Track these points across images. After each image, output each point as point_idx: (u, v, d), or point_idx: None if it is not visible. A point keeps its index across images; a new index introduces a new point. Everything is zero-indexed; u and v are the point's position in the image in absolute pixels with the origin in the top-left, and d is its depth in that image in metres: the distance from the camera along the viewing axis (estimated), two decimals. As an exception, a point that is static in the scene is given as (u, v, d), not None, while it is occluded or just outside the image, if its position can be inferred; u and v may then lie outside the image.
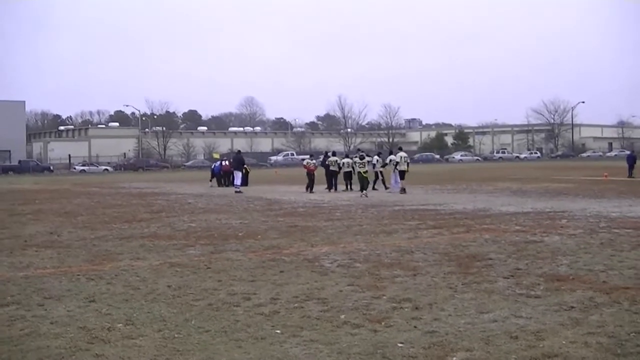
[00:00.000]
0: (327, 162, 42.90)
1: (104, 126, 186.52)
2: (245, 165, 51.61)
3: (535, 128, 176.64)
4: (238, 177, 43.63)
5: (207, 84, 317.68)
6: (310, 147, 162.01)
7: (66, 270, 13.95)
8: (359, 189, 36.82)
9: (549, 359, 7.46)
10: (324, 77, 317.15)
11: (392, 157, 39.68)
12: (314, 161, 42.10)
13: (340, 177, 41.65)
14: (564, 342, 7.98)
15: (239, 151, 50.48)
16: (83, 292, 11.51)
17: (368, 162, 38.35)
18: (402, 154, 38.97)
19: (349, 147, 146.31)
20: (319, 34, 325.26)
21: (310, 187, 40.77)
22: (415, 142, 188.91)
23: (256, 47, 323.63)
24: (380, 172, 41.47)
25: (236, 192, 40.95)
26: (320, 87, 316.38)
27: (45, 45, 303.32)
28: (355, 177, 40.14)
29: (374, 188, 39.89)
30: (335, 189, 40.66)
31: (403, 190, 36.83)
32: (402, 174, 37.84)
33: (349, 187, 40.84)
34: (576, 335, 8.26)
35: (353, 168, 41.22)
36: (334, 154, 45.42)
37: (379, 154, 44.78)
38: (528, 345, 7.91)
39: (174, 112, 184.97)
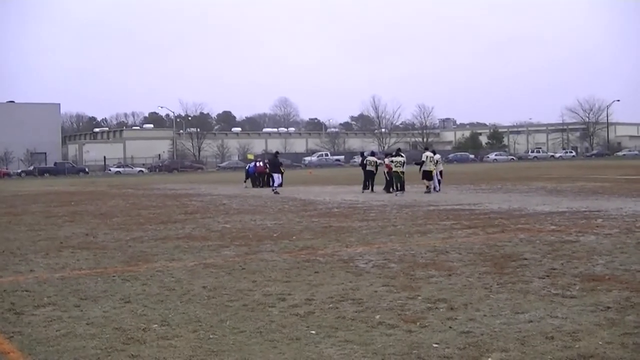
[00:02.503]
0: (364, 162, 42.68)
1: (138, 128, 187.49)
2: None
3: (570, 127, 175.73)
4: (277, 178, 43.32)
5: (241, 85, 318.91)
6: (344, 148, 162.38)
7: (102, 271, 14.04)
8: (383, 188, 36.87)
9: (585, 359, 7.42)
10: (358, 77, 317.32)
11: (426, 154, 39.07)
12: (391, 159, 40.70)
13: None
14: (600, 343, 7.93)
15: (277, 152, 49.71)
16: (119, 293, 11.58)
17: (404, 162, 38.00)
18: (428, 153, 38.49)
19: (384, 147, 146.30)
20: (353, 35, 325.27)
21: (390, 186, 39.28)
22: (450, 142, 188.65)
23: (290, 48, 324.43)
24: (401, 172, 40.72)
25: (273, 191, 40.91)
26: (354, 87, 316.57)
27: (80, 48, 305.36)
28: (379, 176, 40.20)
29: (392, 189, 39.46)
30: (372, 189, 40.41)
31: (427, 190, 36.84)
32: (425, 174, 37.51)
33: (369, 186, 40.75)
34: (612, 336, 8.20)
35: (376, 167, 41.30)
36: (372, 154, 45.15)
37: (385, 154, 44.08)
38: (564, 345, 7.86)
39: (208, 114, 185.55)
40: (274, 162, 44.95)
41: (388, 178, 39.43)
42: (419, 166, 38.16)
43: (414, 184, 39.54)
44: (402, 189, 36.80)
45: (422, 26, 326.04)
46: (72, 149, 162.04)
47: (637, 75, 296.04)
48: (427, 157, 37.67)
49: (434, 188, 37.38)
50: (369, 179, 41.14)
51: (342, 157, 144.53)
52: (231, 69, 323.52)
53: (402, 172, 37.11)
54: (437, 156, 39.27)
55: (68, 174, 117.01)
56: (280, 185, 45.23)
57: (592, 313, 9.33)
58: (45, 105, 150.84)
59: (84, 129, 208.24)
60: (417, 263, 13.89)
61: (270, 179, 50.27)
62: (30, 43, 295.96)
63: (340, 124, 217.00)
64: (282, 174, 47.93)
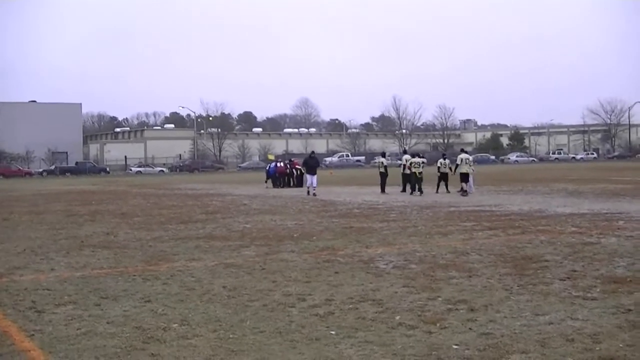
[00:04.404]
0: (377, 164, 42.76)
1: (159, 128, 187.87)
2: (298, 167, 51.33)
3: (592, 128, 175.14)
4: (313, 179, 41.26)
5: (262, 86, 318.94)
6: (365, 149, 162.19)
7: (122, 270, 14.08)
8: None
9: (606, 362, 7.40)
10: (379, 78, 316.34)
11: (461, 157, 38.65)
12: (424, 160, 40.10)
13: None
14: (620, 345, 7.90)
15: (313, 152, 47.17)
16: (139, 292, 11.61)
17: (422, 163, 38.05)
18: (463, 155, 38.27)
19: (404, 148, 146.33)
20: (373, 35, 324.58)
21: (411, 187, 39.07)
22: (471, 143, 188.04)
23: (311, 48, 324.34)
24: (445, 174, 40.07)
25: (313, 194, 39.58)
26: (375, 88, 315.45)
27: (101, 49, 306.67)
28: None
29: (439, 190, 39.22)
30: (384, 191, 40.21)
31: (464, 193, 36.14)
32: (461, 176, 37.22)
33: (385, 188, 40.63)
34: (634, 339, 8.16)
35: (386, 169, 41.57)
36: (382, 155, 45.11)
37: (443, 156, 43.29)
38: (584, 348, 7.83)
39: (229, 114, 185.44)
40: (311, 163, 42.80)
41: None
42: (454, 168, 37.97)
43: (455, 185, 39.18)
44: (420, 190, 36.82)
45: (444, 26, 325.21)
46: (94, 148, 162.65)
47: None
48: (462, 159, 37.42)
49: (468, 189, 36.92)
50: (383, 181, 40.97)
51: (363, 157, 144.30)
52: (252, 69, 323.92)
53: (420, 173, 37.14)
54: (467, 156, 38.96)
55: (89, 173, 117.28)
56: (300, 186, 44.96)
57: (613, 315, 9.30)
58: (67, 105, 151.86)
59: (105, 128, 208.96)
60: (437, 264, 13.88)
61: (292, 180, 50.36)
62: (53, 43, 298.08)
63: (361, 125, 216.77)
64: (301, 174, 47.79)
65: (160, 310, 10.24)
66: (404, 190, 39.58)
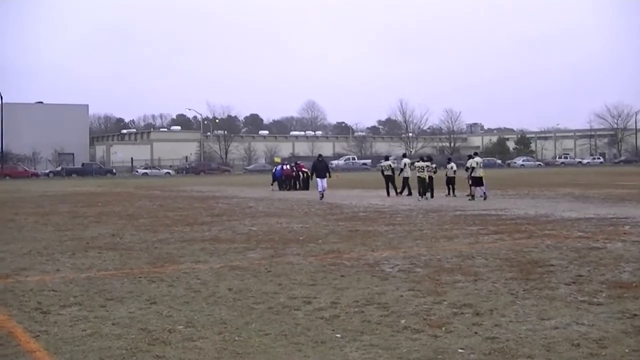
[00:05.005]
0: (381, 167, 42.74)
1: (166, 130, 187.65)
2: (304, 169, 51.33)
3: (598, 133, 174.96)
4: (323, 182, 40.32)
5: (269, 88, 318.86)
6: (371, 152, 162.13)
7: (128, 272, 14.09)
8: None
9: (612, 367, 7.39)
10: (385, 81, 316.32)
11: (471, 161, 38.36)
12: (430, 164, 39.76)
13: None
14: (626, 351, 7.88)
15: (320, 155, 45.83)
16: (144, 294, 11.62)
17: (427, 166, 37.87)
18: (477, 159, 37.87)
19: (410, 151, 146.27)
20: (380, 39, 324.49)
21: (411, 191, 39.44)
22: (477, 147, 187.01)
23: (317, 52, 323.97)
24: (452, 178, 39.87)
25: (320, 198, 38.66)
26: (382, 91, 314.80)
27: (108, 50, 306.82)
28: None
29: (452, 194, 39.23)
30: (396, 193, 40.16)
31: (472, 197, 35.92)
32: (475, 180, 36.95)
33: (390, 191, 40.45)
34: (639, 344, 8.15)
35: (393, 171, 41.37)
36: (386, 158, 44.97)
37: (449, 160, 43.07)
38: (590, 353, 7.81)
39: (235, 116, 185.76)
40: (319, 167, 41.90)
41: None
42: (468, 172, 37.67)
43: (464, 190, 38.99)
44: (424, 193, 36.72)
45: (447, 27, 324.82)
46: (100, 150, 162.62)
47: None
48: (477, 163, 37.11)
49: (477, 194, 36.64)
50: (388, 183, 40.86)
51: (369, 161, 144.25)
52: (259, 72, 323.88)
53: (426, 177, 36.96)
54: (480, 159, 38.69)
55: (95, 175, 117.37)
56: (306, 189, 44.92)
57: (619, 320, 9.28)
58: (74, 106, 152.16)
59: (112, 130, 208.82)
60: (443, 268, 13.86)
61: (298, 182, 50.37)
62: (60, 44, 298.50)
63: (368, 128, 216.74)
64: (308, 177, 47.84)
65: (166, 312, 10.24)
66: (403, 192, 39.68)
